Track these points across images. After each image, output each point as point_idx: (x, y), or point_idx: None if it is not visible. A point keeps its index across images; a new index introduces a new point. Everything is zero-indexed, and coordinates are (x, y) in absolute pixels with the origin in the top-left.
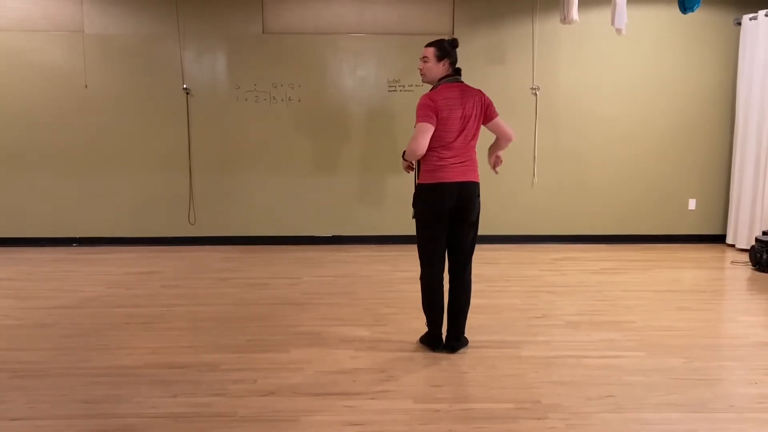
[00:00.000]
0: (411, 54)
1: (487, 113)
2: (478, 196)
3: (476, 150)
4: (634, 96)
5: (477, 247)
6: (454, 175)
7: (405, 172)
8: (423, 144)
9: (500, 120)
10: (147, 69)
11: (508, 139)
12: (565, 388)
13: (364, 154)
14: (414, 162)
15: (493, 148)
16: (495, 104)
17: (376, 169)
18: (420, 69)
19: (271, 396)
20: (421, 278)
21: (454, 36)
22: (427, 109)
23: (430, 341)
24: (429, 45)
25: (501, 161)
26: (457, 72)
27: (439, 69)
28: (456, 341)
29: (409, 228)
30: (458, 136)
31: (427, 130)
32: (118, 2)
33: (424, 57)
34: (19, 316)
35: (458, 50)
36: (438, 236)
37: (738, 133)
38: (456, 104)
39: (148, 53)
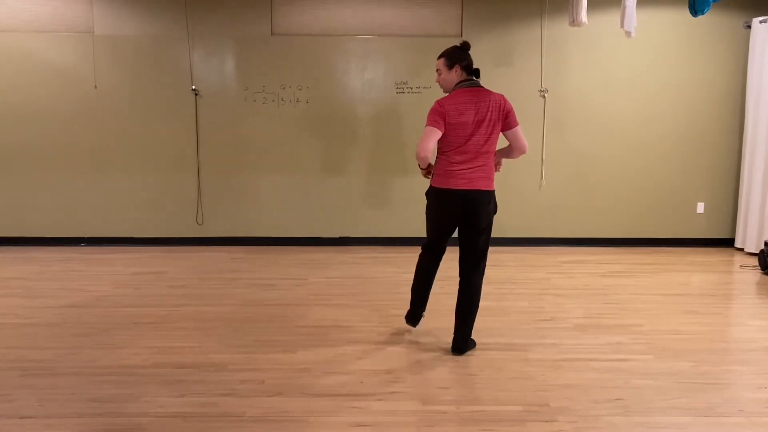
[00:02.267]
0: (419, 56)
1: (506, 120)
2: (490, 203)
3: None
4: (642, 99)
5: None
6: (461, 182)
7: (421, 175)
8: (427, 147)
9: (519, 130)
10: (156, 70)
11: (522, 151)
12: (573, 391)
13: (372, 156)
14: (429, 166)
15: (502, 154)
16: None
17: (383, 170)
18: (437, 82)
19: (278, 396)
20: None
21: (464, 38)
22: (435, 115)
23: (407, 316)
24: (439, 56)
25: (500, 168)
26: (475, 74)
27: (453, 76)
28: (462, 342)
29: (416, 230)
30: (468, 140)
31: (433, 134)
32: (127, 4)
33: (437, 70)
34: (28, 315)
35: None
36: (437, 233)
37: (747, 136)
38: (468, 109)
39: (157, 54)
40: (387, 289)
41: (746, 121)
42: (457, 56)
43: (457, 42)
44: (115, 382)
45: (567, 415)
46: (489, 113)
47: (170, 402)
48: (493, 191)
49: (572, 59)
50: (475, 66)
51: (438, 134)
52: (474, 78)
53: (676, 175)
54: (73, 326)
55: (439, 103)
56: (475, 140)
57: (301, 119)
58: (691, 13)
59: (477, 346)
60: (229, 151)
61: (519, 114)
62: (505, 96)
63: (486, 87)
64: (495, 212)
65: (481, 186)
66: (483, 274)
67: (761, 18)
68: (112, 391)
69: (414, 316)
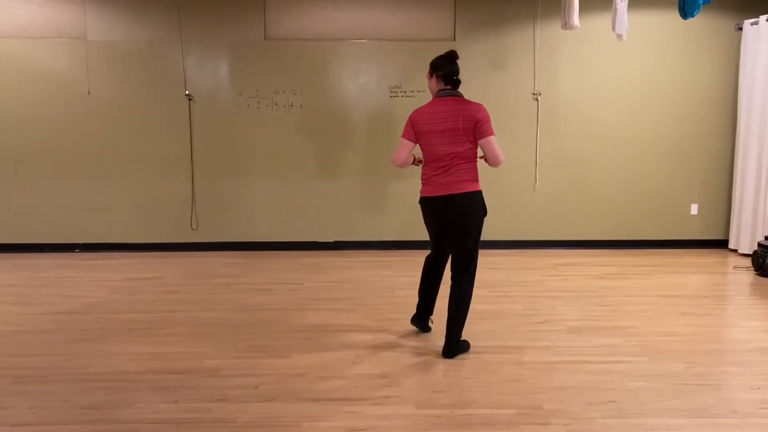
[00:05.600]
0: (412, 60)
1: (477, 129)
2: (471, 205)
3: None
4: (635, 101)
5: (479, 252)
6: (432, 189)
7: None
8: (399, 157)
9: (492, 141)
10: (149, 75)
11: (494, 163)
12: (567, 393)
13: (366, 160)
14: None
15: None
16: (497, 110)
17: (377, 174)
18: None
19: (272, 402)
20: None
21: (457, 42)
22: (407, 125)
23: (412, 317)
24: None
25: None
26: (454, 84)
27: (433, 84)
28: (452, 346)
29: (411, 234)
30: (435, 148)
31: (403, 145)
32: (120, 9)
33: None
34: (22, 321)
35: (460, 56)
36: (432, 236)
37: (740, 137)
38: (435, 118)
39: (150, 60)
40: (382, 293)
41: (738, 122)
42: (437, 65)
43: (449, 46)
44: (109, 388)
45: (561, 417)
46: (454, 122)
47: (164, 408)
48: (474, 192)
49: (565, 62)
50: (464, 72)
51: (409, 144)
52: (451, 87)
53: (670, 176)
54: (67, 333)
55: (413, 112)
56: (442, 148)
57: (295, 124)
58: (680, 15)
59: (471, 349)
60: (224, 155)
61: (512, 116)
62: (499, 99)
63: (479, 90)
64: (484, 214)
65: (455, 190)
66: (472, 276)
67: (752, 20)
68: (105, 397)
69: (415, 317)
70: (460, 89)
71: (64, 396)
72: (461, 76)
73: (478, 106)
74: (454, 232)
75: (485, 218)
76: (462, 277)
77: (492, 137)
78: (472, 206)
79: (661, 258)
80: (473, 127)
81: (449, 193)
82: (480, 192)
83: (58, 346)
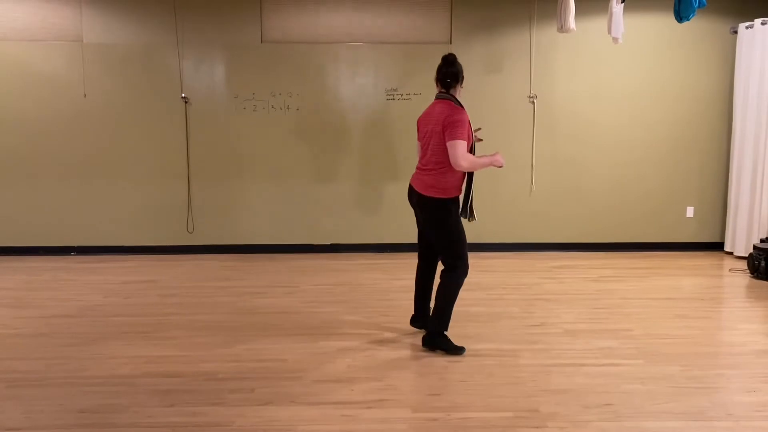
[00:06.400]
0: (409, 63)
1: (444, 132)
2: (431, 209)
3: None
4: (631, 104)
5: (474, 254)
6: (412, 180)
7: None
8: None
9: (454, 145)
10: (145, 78)
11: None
12: (564, 396)
13: (363, 163)
14: None
15: None
16: (493, 113)
17: (374, 177)
18: None
19: (268, 405)
20: None
21: (453, 45)
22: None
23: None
24: None
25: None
26: (447, 86)
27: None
28: (429, 337)
29: (407, 236)
30: (423, 147)
31: (418, 145)
32: (116, 12)
33: None
34: (17, 325)
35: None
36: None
37: (735, 140)
38: (428, 120)
39: (146, 62)
40: (378, 296)
41: (734, 126)
42: (436, 70)
43: (445, 49)
44: (104, 392)
45: (557, 420)
46: (431, 125)
47: (159, 412)
48: (436, 198)
49: (561, 65)
50: (464, 74)
51: (418, 141)
52: (445, 91)
53: (666, 179)
54: (62, 336)
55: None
56: (423, 148)
57: (291, 126)
58: (676, 19)
59: (467, 352)
60: (220, 158)
61: (509, 119)
62: (495, 102)
63: (474, 94)
64: (448, 218)
65: (420, 189)
66: (454, 273)
67: (747, 23)
68: (101, 401)
69: (412, 318)
70: (460, 93)
71: (59, 400)
72: None
73: (453, 110)
74: (424, 226)
75: (473, 222)
76: (444, 273)
77: (455, 141)
78: (432, 210)
79: (656, 261)
80: (441, 130)
81: (417, 191)
82: (442, 200)
83: (53, 349)
